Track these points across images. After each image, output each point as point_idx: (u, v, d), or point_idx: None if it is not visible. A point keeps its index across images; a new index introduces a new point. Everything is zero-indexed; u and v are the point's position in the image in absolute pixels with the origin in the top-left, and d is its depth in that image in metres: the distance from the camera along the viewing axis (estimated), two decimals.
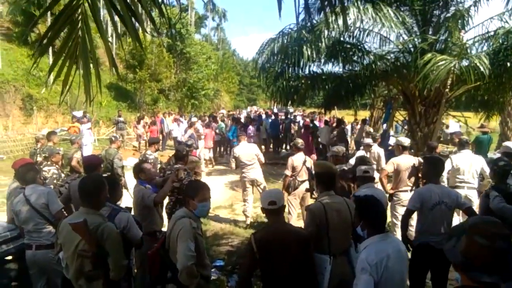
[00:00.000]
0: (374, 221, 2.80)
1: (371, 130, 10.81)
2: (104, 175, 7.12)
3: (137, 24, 2.23)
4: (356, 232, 3.39)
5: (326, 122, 16.10)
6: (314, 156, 11.26)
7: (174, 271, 3.01)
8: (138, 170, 4.97)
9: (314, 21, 8.40)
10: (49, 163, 6.61)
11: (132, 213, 4.42)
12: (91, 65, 2.29)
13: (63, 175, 6.85)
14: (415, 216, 4.29)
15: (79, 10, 2.18)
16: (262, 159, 7.71)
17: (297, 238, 3.02)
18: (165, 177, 5.48)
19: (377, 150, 8.07)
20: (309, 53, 8.18)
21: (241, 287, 3.12)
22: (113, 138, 8.11)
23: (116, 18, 2.16)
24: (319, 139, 14.59)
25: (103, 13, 18.54)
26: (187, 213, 3.11)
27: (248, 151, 7.62)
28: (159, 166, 7.10)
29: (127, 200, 6.71)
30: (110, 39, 24.94)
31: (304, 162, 6.71)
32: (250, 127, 15.02)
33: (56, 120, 20.40)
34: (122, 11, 2.07)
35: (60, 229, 3.02)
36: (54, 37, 2.29)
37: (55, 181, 6.11)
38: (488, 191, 4.31)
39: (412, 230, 4.63)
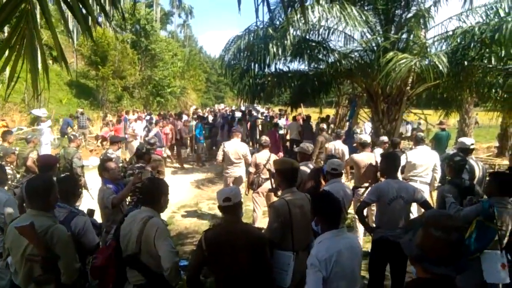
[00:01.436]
0: (327, 217, 2.82)
1: (324, 126, 10.97)
2: (63, 175, 6.94)
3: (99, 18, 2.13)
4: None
5: (294, 118, 16.25)
6: (281, 154, 11.33)
7: (149, 276, 2.91)
8: (102, 168, 4.82)
9: (279, 20, 8.39)
10: (3, 163, 6.28)
11: (97, 213, 4.27)
12: (39, 59, 2.16)
13: (18, 175, 6.55)
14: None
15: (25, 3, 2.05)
16: (249, 160, 7.56)
17: (249, 238, 2.94)
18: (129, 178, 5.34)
19: (341, 147, 8.22)
20: (274, 50, 8.16)
21: (189, 285, 3.03)
22: (72, 137, 7.83)
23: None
24: (288, 135, 14.74)
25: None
26: (154, 213, 3.02)
27: (238, 149, 7.54)
28: (120, 165, 6.90)
29: (89, 201, 6.49)
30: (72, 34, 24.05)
31: (268, 159, 6.71)
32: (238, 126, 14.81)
33: (13, 119, 19.49)
34: (72, 3, 1.96)
35: (7, 233, 2.86)
36: (2, 25, 2.14)
37: (9, 182, 5.81)
38: (444, 188, 4.44)
39: None
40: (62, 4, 2.01)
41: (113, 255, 3.01)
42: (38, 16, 2.24)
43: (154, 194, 3.08)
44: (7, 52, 2.09)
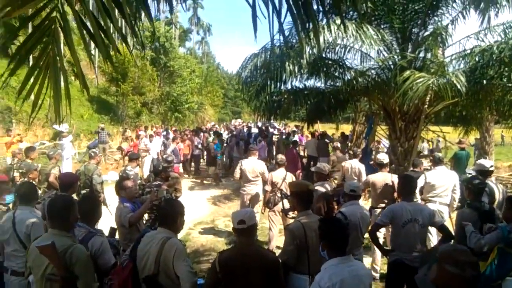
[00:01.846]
0: (333, 244, 2.78)
1: (338, 145, 10.83)
2: (83, 191, 7.07)
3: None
4: None
5: (312, 135, 16.22)
6: (299, 172, 11.31)
7: None
8: (119, 187, 4.89)
9: (295, 38, 8.45)
10: (25, 179, 6.45)
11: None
12: (62, 83, 2.25)
13: (39, 191, 6.69)
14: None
15: (52, 26, 2.14)
16: (267, 178, 7.62)
17: (263, 261, 2.94)
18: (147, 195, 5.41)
19: (357, 165, 8.15)
20: (291, 68, 8.21)
21: None
22: (92, 154, 7.96)
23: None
24: (306, 152, 14.67)
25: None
26: (171, 233, 3.05)
27: (255, 167, 7.55)
28: (139, 182, 6.99)
29: (107, 217, 6.57)
30: (93, 51, 24.77)
31: (284, 178, 6.70)
32: (263, 142, 14.83)
33: (36, 134, 20.01)
34: (92, 29, 2.04)
35: (29, 252, 2.92)
36: (31, 49, 2.25)
37: None
38: (463, 212, 4.36)
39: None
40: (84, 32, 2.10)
41: (130, 276, 3.03)
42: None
43: (171, 215, 3.11)
44: (31, 80, 2.19)
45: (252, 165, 7.55)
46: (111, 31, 2.07)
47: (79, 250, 2.80)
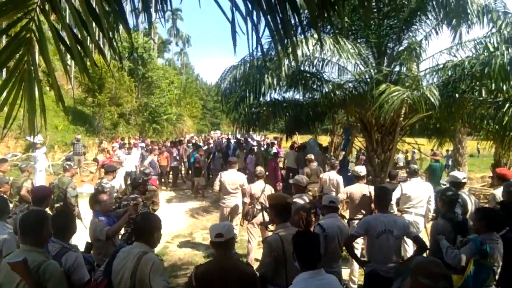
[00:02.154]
0: (304, 257, 2.77)
1: (311, 157, 10.87)
2: (57, 205, 6.89)
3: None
4: None
5: (291, 147, 16.27)
6: (280, 184, 11.34)
7: None
8: (94, 201, 4.79)
9: (273, 51, 8.54)
10: None
11: None
12: (37, 97, 2.21)
13: (11, 205, 6.48)
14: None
15: (27, 37, 2.11)
16: (246, 189, 7.58)
17: (241, 274, 2.92)
18: (123, 208, 5.31)
19: (335, 177, 8.22)
20: (270, 80, 8.28)
21: None
22: (67, 166, 7.77)
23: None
24: (286, 164, 14.70)
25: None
26: (147, 248, 3.00)
27: (235, 179, 7.51)
28: (115, 195, 6.86)
29: (82, 231, 6.40)
30: (69, 61, 24.38)
31: (263, 190, 6.70)
32: (251, 156, 14.68)
33: (8, 145, 19.42)
34: (69, 41, 2.02)
35: (0, 268, 2.81)
36: (5, 61, 2.19)
37: None
38: (437, 224, 4.45)
39: None
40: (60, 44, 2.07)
41: None
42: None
43: (147, 230, 3.04)
44: (5, 93, 2.14)
45: (232, 177, 7.52)
46: (88, 43, 2.05)
47: (52, 266, 2.72)
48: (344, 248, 4.44)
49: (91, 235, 4.55)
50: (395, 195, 6.40)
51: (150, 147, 16.52)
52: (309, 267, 2.72)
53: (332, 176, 8.25)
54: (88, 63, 2.07)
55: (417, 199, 6.41)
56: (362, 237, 4.89)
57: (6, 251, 3.47)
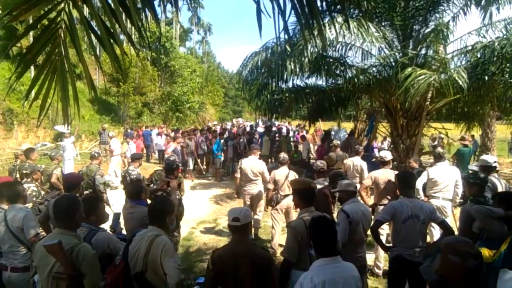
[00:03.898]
0: (320, 244, 2.75)
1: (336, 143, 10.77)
2: (86, 192, 7.10)
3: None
4: None
5: (303, 137, 16.05)
6: None
7: None
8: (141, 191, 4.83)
9: (296, 37, 8.47)
10: (29, 180, 6.48)
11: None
12: (70, 86, 2.28)
13: (42, 192, 6.72)
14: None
15: (60, 30, 2.17)
16: (267, 178, 7.49)
17: (254, 258, 2.94)
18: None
19: (359, 162, 8.17)
20: (292, 67, 8.24)
21: None
22: (95, 154, 7.98)
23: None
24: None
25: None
26: (160, 231, 3.09)
27: (255, 166, 7.53)
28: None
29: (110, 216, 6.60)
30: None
31: (287, 176, 6.72)
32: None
33: (37, 135, 20.06)
34: (100, 32, 2.07)
35: (35, 251, 2.95)
36: (37, 54, 2.27)
37: (34, 199, 5.98)
38: (466, 207, 4.37)
39: None
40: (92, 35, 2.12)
41: (122, 274, 3.05)
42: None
43: (159, 214, 3.18)
44: (41, 78, 2.22)
45: (252, 164, 7.54)
46: (118, 33, 2.10)
47: (85, 249, 2.83)
48: (369, 233, 4.43)
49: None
50: (422, 180, 6.30)
51: (174, 135, 16.70)
52: (325, 254, 2.71)
53: (356, 161, 8.20)
54: (118, 52, 2.12)
55: (443, 183, 6.28)
56: (388, 223, 4.86)
57: (26, 226, 3.84)
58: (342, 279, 2.61)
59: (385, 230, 6.12)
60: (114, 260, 3.25)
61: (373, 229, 4.34)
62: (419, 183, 6.29)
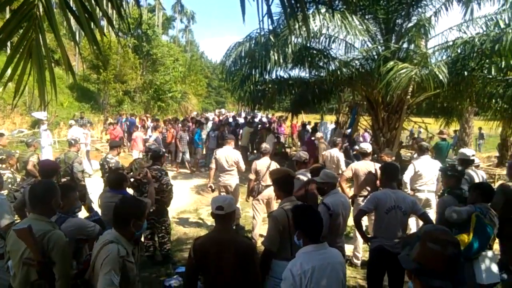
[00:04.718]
0: (307, 231, 2.79)
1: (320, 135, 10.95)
2: (63, 179, 6.95)
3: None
4: None
5: (303, 126, 16.26)
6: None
7: None
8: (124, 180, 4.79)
9: (280, 28, 8.43)
10: (4, 166, 6.30)
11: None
12: (46, 68, 2.19)
13: (18, 179, 6.56)
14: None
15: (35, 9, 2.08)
16: (243, 168, 7.54)
17: (237, 247, 2.93)
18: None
19: (336, 154, 8.30)
20: (275, 57, 8.22)
21: None
22: (72, 141, 7.81)
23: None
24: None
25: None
26: (117, 237, 2.71)
27: (230, 156, 7.47)
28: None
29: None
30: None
31: (268, 166, 6.72)
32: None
33: (14, 121, 19.55)
34: (77, 12, 1.99)
35: (8, 236, 2.88)
36: (10, 35, 2.17)
37: (9, 186, 5.83)
38: (443, 199, 4.46)
39: None
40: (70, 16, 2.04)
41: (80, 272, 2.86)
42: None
43: (124, 217, 2.78)
44: (15, 60, 2.13)
45: (226, 154, 7.50)
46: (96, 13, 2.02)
47: (57, 236, 2.74)
48: (348, 224, 4.47)
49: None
50: (409, 173, 6.40)
51: (155, 125, 16.52)
52: (313, 241, 2.75)
53: (333, 153, 8.33)
54: (98, 35, 2.05)
55: (428, 176, 6.40)
56: (366, 215, 4.91)
57: (0, 217, 3.72)
58: (329, 265, 2.68)
59: (364, 222, 6.20)
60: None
61: (356, 219, 4.38)
62: (407, 177, 6.39)
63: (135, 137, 13.65)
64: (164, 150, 6.57)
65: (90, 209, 4.81)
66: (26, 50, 2.16)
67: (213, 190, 7.85)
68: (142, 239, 6.00)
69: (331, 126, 17.70)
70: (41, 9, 2.10)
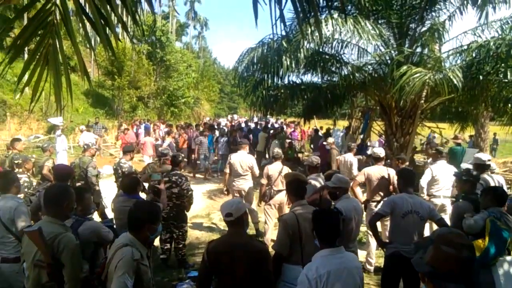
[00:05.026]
0: (324, 235, 2.77)
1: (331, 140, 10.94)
2: (78, 184, 7.05)
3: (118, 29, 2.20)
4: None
5: (316, 131, 16.25)
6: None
7: None
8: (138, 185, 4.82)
9: (292, 33, 8.45)
10: (20, 170, 6.42)
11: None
12: (63, 74, 2.24)
13: (34, 183, 6.67)
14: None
15: (51, 16, 2.13)
16: (257, 173, 7.55)
17: (249, 250, 2.90)
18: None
19: (350, 158, 8.27)
20: (288, 63, 8.23)
21: None
22: (86, 146, 7.92)
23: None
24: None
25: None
26: (132, 241, 2.73)
27: (244, 161, 7.50)
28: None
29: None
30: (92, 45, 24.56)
31: (281, 171, 6.71)
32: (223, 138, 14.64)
33: (31, 127, 19.90)
34: (93, 18, 2.03)
35: (23, 238, 2.92)
36: (27, 41, 2.23)
37: (26, 190, 5.93)
38: (458, 204, 4.40)
39: None
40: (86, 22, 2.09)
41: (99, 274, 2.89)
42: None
43: (137, 222, 2.82)
44: (31, 67, 2.18)
45: (241, 159, 7.52)
46: (112, 19, 2.06)
47: (67, 238, 2.76)
48: (361, 230, 4.43)
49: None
50: (426, 178, 6.33)
51: (168, 130, 16.64)
52: (329, 245, 2.73)
53: (347, 158, 8.30)
54: (113, 40, 2.09)
55: (444, 181, 6.32)
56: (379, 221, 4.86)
57: (18, 218, 3.75)
58: (346, 269, 2.65)
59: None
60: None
61: (372, 222, 4.34)
62: (424, 181, 6.32)
63: (144, 142, 13.80)
64: (183, 155, 6.64)
65: (103, 214, 4.87)
66: (43, 57, 2.21)
67: (228, 194, 7.83)
68: (159, 241, 6.05)
69: (341, 133, 17.73)
70: (58, 16, 2.15)
